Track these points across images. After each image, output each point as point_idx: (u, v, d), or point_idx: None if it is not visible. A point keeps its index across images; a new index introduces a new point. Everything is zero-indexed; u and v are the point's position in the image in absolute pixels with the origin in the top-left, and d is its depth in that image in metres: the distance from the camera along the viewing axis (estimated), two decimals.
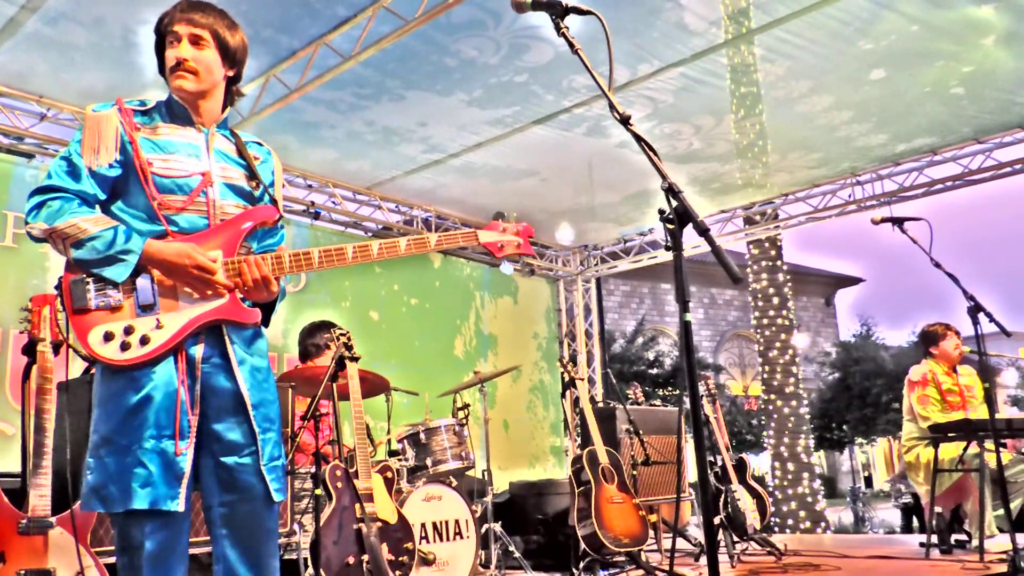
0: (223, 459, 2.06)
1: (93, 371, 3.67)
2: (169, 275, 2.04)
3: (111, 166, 2.07)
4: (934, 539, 5.39)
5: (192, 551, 2.34)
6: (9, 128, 5.36)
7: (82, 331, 1.97)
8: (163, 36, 2.20)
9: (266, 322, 2.26)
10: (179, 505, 1.98)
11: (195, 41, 2.16)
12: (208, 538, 3.48)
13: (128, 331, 1.98)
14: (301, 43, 4.99)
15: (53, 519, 2.88)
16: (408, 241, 2.28)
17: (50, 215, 1.99)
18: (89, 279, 2.00)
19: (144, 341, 1.99)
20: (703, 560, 5.48)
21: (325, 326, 4.48)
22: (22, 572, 2.74)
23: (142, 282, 2.03)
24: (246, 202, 2.23)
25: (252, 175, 2.26)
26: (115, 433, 1.97)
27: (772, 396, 11.93)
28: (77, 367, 5.08)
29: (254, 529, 2.09)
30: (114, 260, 1.98)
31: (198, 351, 2.07)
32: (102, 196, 2.08)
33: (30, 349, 3.07)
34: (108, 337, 1.97)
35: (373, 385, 4.45)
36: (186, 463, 2.00)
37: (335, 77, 5.16)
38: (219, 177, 2.18)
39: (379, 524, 3.63)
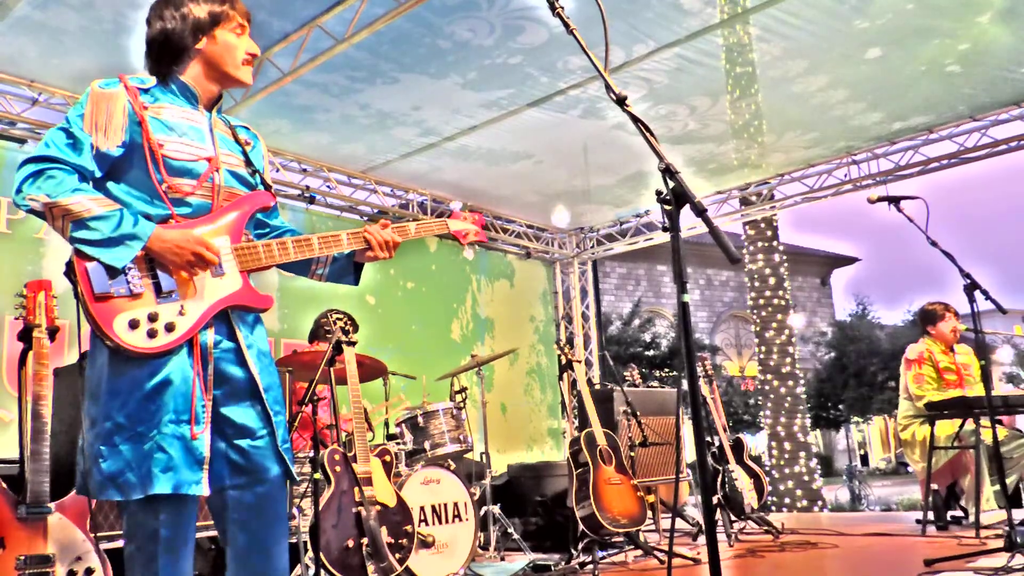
0: (237, 442, 2.05)
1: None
2: (168, 261, 1.99)
3: (116, 147, 2.02)
4: (930, 516, 5.42)
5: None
6: (0, 113, 5.32)
7: (105, 319, 1.91)
8: (217, 19, 2.16)
9: (358, 280, 2.43)
10: (203, 489, 1.97)
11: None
12: (207, 523, 3.51)
13: (152, 318, 1.94)
14: (294, 26, 4.95)
15: (52, 505, 2.89)
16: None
17: (52, 187, 1.92)
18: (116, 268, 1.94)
19: (170, 328, 1.96)
20: (701, 539, 5.51)
21: (348, 317, 4.41)
22: (22, 558, 2.75)
23: (164, 269, 2.00)
24: (245, 188, 2.22)
25: (248, 162, 2.26)
26: (131, 420, 1.93)
27: (768, 376, 11.98)
28: (74, 354, 5.09)
29: (265, 512, 2.08)
30: (117, 243, 1.93)
31: (209, 336, 2.06)
32: (98, 174, 2.03)
33: (26, 335, 3.06)
34: (133, 325, 1.92)
35: (371, 369, 4.45)
36: (204, 447, 1.98)
37: (328, 60, 5.12)
38: (223, 163, 2.17)
39: (378, 507, 3.64)
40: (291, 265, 2.38)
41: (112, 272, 1.94)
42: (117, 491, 1.91)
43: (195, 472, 1.96)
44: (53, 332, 3.10)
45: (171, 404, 1.95)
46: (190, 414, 1.98)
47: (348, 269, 2.41)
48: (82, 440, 2.00)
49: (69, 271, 1.95)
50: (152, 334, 1.94)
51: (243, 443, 2.06)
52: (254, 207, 2.21)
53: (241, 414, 2.07)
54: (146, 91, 2.12)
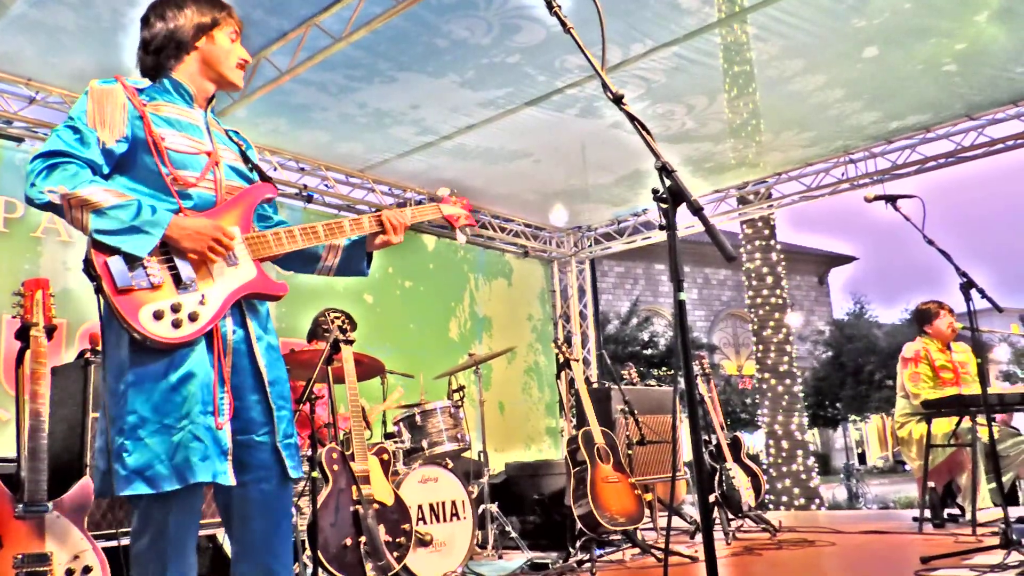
0: (240, 437, 2.05)
1: (88, 355, 3.68)
2: (187, 248, 2.01)
3: (119, 142, 2.05)
4: (927, 513, 5.44)
5: None
6: None
7: (130, 311, 1.92)
8: (217, 22, 2.23)
9: (369, 268, 2.50)
10: (230, 479, 1.98)
11: None
12: (204, 521, 3.51)
13: (175, 308, 1.96)
14: (291, 24, 4.95)
15: (50, 503, 2.89)
16: (369, 218, 2.43)
17: (68, 179, 1.94)
18: (133, 260, 1.95)
19: (193, 318, 1.97)
20: (698, 538, 5.52)
21: (346, 316, 4.41)
22: (19, 556, 2.75)
23: (181, 259, 2.01)
24: (244, 182, 2.26)
25: (245, 157, 2.31)
26: (156, 412, 1.93)
27: (766, 375, 11.99)
28: (71, 353, 5.09)
29: (271, 509, 2.09)
30: (138, 231, 1.94)
31: (228, 326, 2.08)
32: (106, 170, 2.05)
33: (23, 334, 3.06)
34: (158, 316, 1.93)
35: (368, 368, 4.45)
36: (227, 438, 2.00)
37: (326, 59, 5.12)
38: (222, 157, 2.20)
39: (376, 506, 3.64)
40: (297, 264, 2.42)
41: (132, 264, 1.95)
42: (145, 484, 1.90)
43: (223, 462, 1.98)
44: (51, 331, 3.10)
45: (199, 394, 1.97)
46: (214, 405, 1.99)
47: (360, 256, 2.46)
48: (99, 441, 2.00)
49: (88, 267, 1.96)
50: (177, 324, 1.95)
51: (246, 438, 2.07)
52: (259, 198, 2.25)
53: (247, 408, 2.08)
54: (142, 91, 2.16)
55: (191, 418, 1.95)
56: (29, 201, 1.97)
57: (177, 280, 2.00)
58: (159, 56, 2.20)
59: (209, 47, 2.21)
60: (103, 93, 2.07)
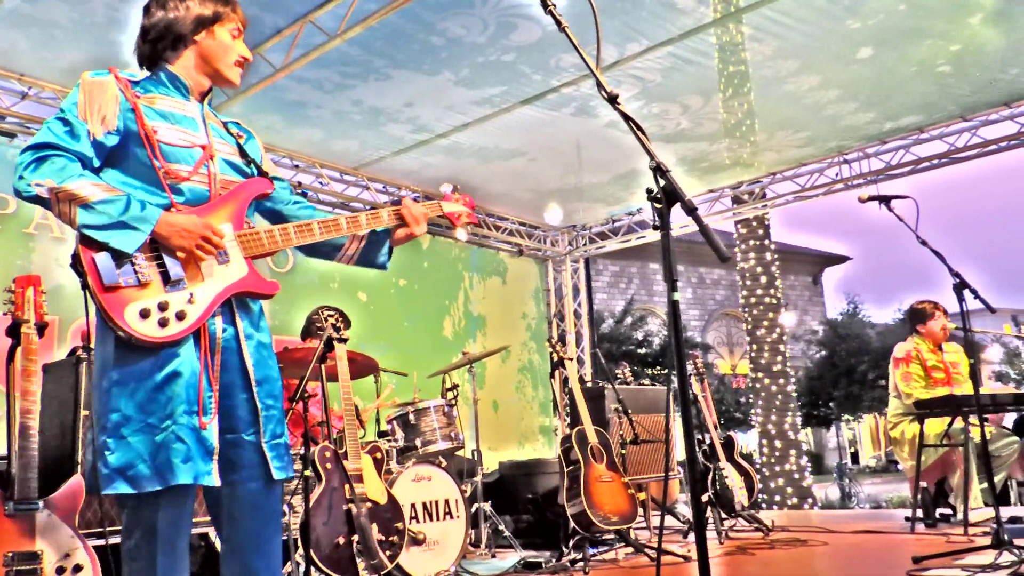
0: (228, 436, 2.04)
1: (79, 352, 3.66)
2: (176, 246, 1.99)
3: (110, 134, 2.02)
4: (919, 513, 5.45)
5: None
6: None
7: (116, 309, 1.89)
8: (219, 16, 2.20)
9: (387, 264, 2.49)
10: (215, 480, 1.95)
11: None
12: (197, 520, 3.50)
13: (163, 307, 1.94)
14: (286, 21, 4.93)
15: (40, 501, 2.87)
16: (388, 212, 2.42)
17: (56, 172, 1.91)
18: (121, 256, 1.93)
19: (180, 316, 1.95)
20: (691, 537, 5.53)
21: (340, 314, 4.39)
22: (9, 554, 2.74)
23: (171, 257, 1.99)
24: (241, 177, 2.23)
25: (242, 152, 2.28)
26: (140, 411, 1.91)
27: (760, 374, 12.01)
28: (63, 350, 5.07)
29: (257, 509, 2.07)
30: (126, 227, 1.91)
31: (217, 324, 2.06)
32: (97, 163, 2.02)
33: (14, 331, 3.04)
34: (144, 314, 1.91)
35: (362, 366, 4.44)
36: (213, 438, 1.97)
37: (321, 56, 5.11)
38: (217, 151, 2.18)
39: (369, 504, 3.64)
40: (317, 251, 2.41)
41: (119, 260, 1.93)
42: (127, 483, 1.89)
43: (207, 463, 1.95)
44: (42, 328, 3.09)
45: (183, 394, 1.95)
46: (199, 404, 1.97)
47: (380, 249, 2.46)
48: (89, 436, 1.99)
49: (75, 263, 1.94)
50: (163, 323, 1.93)
51: (235, 437, 2.05)
52: (253, 194, 2.22)
53: (235, 407, 2.06)
54: (136, 83, 2.13)
55: (175, 418, 1.93)
56: (17, 193, 1.95)
57: (166, 278, 1.97)
58: (156, 46, 2.18)
59: (208, 42, 2.18)
60: (94, 85, 2.05)
